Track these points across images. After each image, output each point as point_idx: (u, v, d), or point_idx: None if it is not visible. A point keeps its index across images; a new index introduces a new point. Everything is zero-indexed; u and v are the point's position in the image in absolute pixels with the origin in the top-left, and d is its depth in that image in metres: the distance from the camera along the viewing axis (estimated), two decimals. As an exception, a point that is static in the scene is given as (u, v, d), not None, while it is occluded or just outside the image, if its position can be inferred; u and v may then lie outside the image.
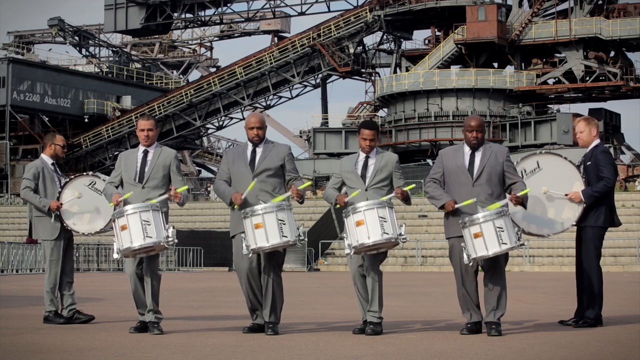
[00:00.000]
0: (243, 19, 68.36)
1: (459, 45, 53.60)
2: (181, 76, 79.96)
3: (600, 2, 53.41)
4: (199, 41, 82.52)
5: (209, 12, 65.08)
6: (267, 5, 64.33)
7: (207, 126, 64.32)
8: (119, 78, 67.92)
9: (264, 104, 61.01)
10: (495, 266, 7.66)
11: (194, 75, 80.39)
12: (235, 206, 7.71)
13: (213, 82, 59.47)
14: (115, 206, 7.91)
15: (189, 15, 65.10)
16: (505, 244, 7.40)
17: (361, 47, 58.34)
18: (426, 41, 59.22)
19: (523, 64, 54.75)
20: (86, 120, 63.73)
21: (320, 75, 59.51)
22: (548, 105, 55.33)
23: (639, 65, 54.38)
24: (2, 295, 14.88)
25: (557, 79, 54.57)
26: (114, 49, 73.18)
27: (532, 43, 53.60)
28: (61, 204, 8.66)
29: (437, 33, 57.29)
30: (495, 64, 56.61)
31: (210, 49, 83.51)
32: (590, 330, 7.96)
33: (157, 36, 77.53)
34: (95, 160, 61.81)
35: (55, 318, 8.71)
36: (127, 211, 7.62)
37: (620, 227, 8.66)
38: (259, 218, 7.45)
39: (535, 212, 8.00)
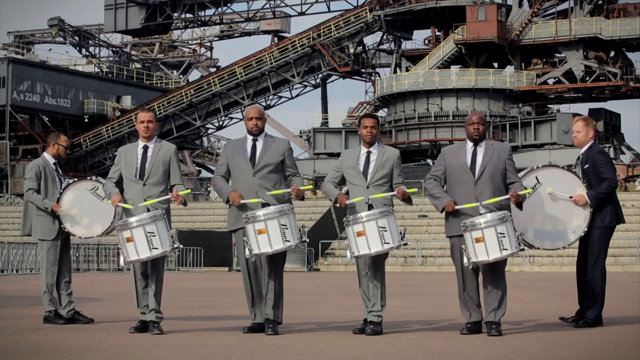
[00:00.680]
0: (243, 19, 68.36)
1: (459, 45, 53.59)
2: (181, 76, 79.96)
3: (600, 2, 53.39)
4: (199, 41, 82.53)
5: (209, 12, 65.14)
6: (267, 5, 64.35)
7: (207, 126, 64.33)
8: (119, 78, 67.92)
9: (264, 104, 61.00)
10: (495, 267, 7.66)
11: (194, 75, 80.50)
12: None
13: (213, 82, 59.47)
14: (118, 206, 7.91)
15: (189, 15, 65.10)
16: (506, 249, 7.42)
17: (361, 47, 58.33)
18: (426, 41, 59.22)
19: (523, 64, 54.75)
20: (86, 120, 63.72)
21: (320, 75, 59.50)
22: (548, 105, 55.32)
23: (639, 65, 54.41)
24: (2, 295, 14.87)
25: (557, 79, 54.55)
26: (114, 49, 73.18)
27: (532, 43, 53.59)
28: (59, 208, 8.66)
29: (437, 33, 57.28)
30: (495, 64, 56.60)
31: (210, 49, 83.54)
32: (590, 330, 7.96)
33: (157, 36, 77.51)
34: (95, 160, 61.82)
35: (55, 318, 8.71)
36: (132, 224, 7.64)
37: (620, 227, 8.66)
38: (261, 224, 7.46)
39: (545, 227, 8.00)
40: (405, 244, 7.67)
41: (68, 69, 68.97)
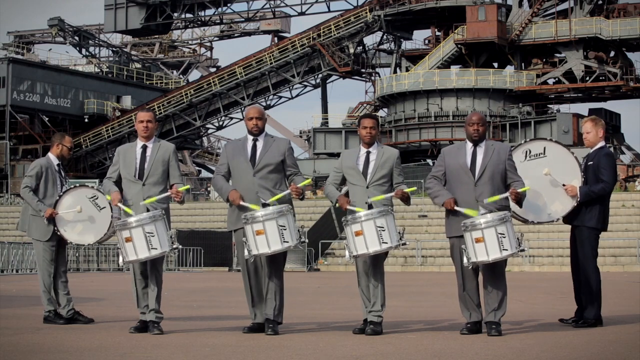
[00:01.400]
0: (243, 19, 68.37)
1: (459, 45, 53.60)
2: (181, 76, 79.95)
3: (600, 2, 53.40)
4: (199, 41, 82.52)
5: (209, 12, 65.15)
6: (267, 5, 64.36)
7: (207, 126, 64.34)
8: (119, 78, 67.92)
9: (264, 104, 60.99)
10: (495, 268, 7.66)
11: (194, 75, 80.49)
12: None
13: (213, 82, 59.48)
14: (120, 206, 7.91)
15: (189, 15, 65.10)
16: (506, 250, 7.42)
17: (361, 47, 58.33)
18: (426, 41, 59.22)
19: (523, 64, 54.75)
20: (86, 120, 63.73)
21: (320, 75, 59.51)
22: (548, 105, 55.33)
23: (639, 65, 54.43)
24: (2, 295, 14.87)
25: (557, 79, 54.56)
26: (114, 49, 73.18)
27: (532, 43, 53.59)
28: (56, 213, 8.64)
29: (437, 33, 57.28)
30: (495, 64, 56.60)
31: (210, 49, 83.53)
32: (590, 330, 7.96)
33: (157, 36, 77.51)
34: (95, 160, 61.83)
35: (55, 318, 8.72)
36: (131, 224, 7.64)
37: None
38: (259, 225, 7.46)
39: (527, 196, 7.95)
40: (404, 244, 7.67)
41: (68, 69, 68.97)
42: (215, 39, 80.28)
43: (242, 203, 7.65)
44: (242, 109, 59.45)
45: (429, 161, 53.84)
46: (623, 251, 35.56)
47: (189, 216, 45.56)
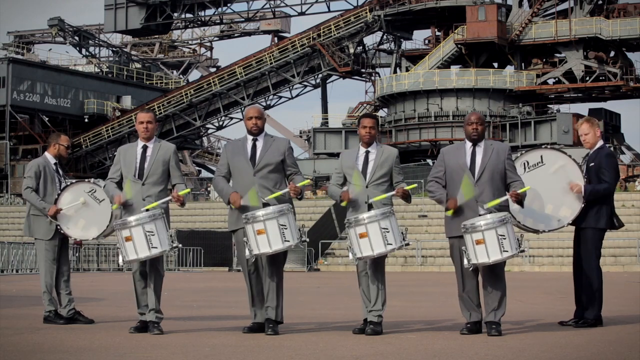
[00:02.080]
0: (243, 19, 68.36)
1: (459, 45, 53.59)
2: (181, 76, 79.94)
3: (600, 2, 53.39)
4: (199, 41, 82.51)
5: (209, 12, 65.14)
6: (267, 5, 64.36)
7: (207, 126, 64.33)
8: (119, 78, 67.91)
9: (264, 104, 61.01)
10: (495, 268, 7.66)
11: (194, 75, 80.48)
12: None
13: (213, 82, 59.48)
14: (120, 206, 7.91)
15: (189, 15, 65.10)
16: (507, 251, 7.43)
17: (361, 47, 58.33)
18: (426, 41, 59.22)
19: (523, 64, 54.75)
20: (86, 120, 63.72)
21: (320, 75, 59.50)
22: (548, 105, 55.32)
23: (639, 65, 54.42)
24: (2, 295, 14.87)
25: (557, 79, 54.56)
26: (114, 49, 73.17)
27: (532, 43, 53.59)
28: (60, 209, 8.65)
29: (437, 33, 57.28)
30: (495, 64, 56.60)
31: (210, 49, 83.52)
32: (590, 330, 7.96)
33: (157, 36, 77.51)
34: (95, 160, 61.82)
35: (55, 318, 8.71)
36: (131, 223, 7.64)
37: (620, 227, 8.64)
38: (260, 224, 7.47)
39: (532, 206, 7.98)
40: (407, 244, 7.71)
41: (68, 69, 68.96)
42: (215, 39, 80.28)
43: (242, 203, 7.66)
44: (242, 109, 59.44)
45: (429, 161, 53.83)
46: (623, 251, 35.58)
47: (189, 216, 45.56)
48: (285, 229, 7.50)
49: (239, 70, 58.50)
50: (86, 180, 9.05)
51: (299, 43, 57.49)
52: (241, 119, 61.04)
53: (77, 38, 68.82)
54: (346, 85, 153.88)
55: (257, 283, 7.84)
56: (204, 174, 77.14)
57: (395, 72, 56.82)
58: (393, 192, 7.75)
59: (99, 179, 9.43)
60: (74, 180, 8.96)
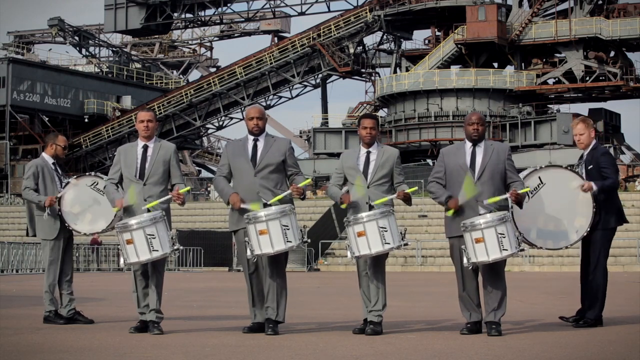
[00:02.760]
0: (243, 19, 68.36)
1: (459, 45, 53.59)
2: (181, 76, 79.93)
3: (600, 2, 53.39)
4: (199, 41, 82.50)
5: (209, 12, 65.13)
6: (267, 5, 64.35)
7: (207, 126, 64.33)
8: (119, 78, 67.91)
9: (264, 104, 60.98)
10: (495, 267, 7.66)
11: (194, 75, 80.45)
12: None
13: (213, 82, 59.47)
14: (121, 209, 7.90)
15: (189, 15, 65.09)
16: (506, 250, 7.42)
17: (361, 47, 58.33)
18: (426, 41, 59.22)
19: (523, 64, 54.75)
20: (86, 120, 63.72)
21: (320, 75, 59.50)
22: (548, 105, 55.32)
23: (639, 65, 54.41)
24: (2, 295, 14.87)
25: (557, 79, 54.56)
26: (114, 49, 73.17)
27: (532, 43, 53.59)
28: (56, 197, 8.64)
29: (437, 33, 57.28)
30: (495, 64, 56.60)
31: (210, 49, 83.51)
32: (590, 330, 7.96)
33: (157, 36, 77.50)
34: (95, 160, 61.81)
35: (55, 318, 8.71)
36: (132, 226, 7.64)
37: (620, 227, 8.67)
38: (262, 225, 7.46)
39: (548, 227, 8.00)
40: (406, 244, 7.70)
41: (68, 69, 68.95)
42: (215, 39, 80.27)
43: (242, 206, 7.64)
44: (242, 109, 59.44)
45: (429, 161, 53.83)
46: (623, 251, 35.58)
47: (189, 216, 45.56)
48: (288, 229, 7.49)
49: (239, 70, 58.50)
50: (87, 173, 9.07)
51: (299, 43, 57.48)
52: (241, 119, 61.09)
53: (77, 38, 68.82)
54: (346, 85, 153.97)
55: (257, 283, 7.83)
56: (204, 174, 77.18)
57: (395, 72, 56.82)
58: (394, 195, 7.75)
59: (99, 172, 9.44)
60: (75, 177, 8.96)
